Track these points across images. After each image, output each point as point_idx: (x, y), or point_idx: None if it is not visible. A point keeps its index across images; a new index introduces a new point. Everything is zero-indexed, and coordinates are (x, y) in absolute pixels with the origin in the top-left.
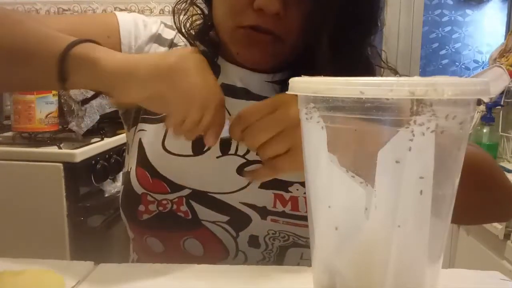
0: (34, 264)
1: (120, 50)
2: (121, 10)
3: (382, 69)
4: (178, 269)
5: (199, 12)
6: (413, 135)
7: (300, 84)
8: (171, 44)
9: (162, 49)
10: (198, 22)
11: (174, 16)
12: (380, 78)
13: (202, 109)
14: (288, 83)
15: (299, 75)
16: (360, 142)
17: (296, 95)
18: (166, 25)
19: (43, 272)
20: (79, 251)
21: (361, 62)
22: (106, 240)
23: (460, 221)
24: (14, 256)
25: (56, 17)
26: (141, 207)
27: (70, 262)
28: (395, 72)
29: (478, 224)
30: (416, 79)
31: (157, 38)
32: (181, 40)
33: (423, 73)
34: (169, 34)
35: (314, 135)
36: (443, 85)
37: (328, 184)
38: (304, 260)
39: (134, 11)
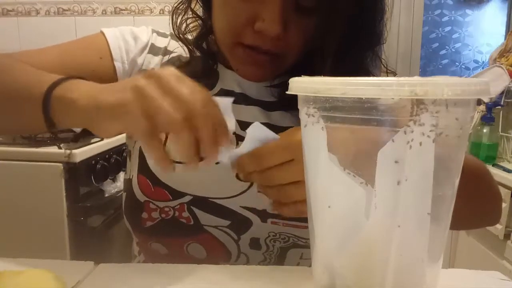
0: (34, 264)
1: (114, 68)
2: (121, 10)
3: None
4: (178, 269)
5: (195, 16)
6: (413, 135)
7: (300, 84)
8: (165, 52)
9: (156, 58)
10: (192, 25)
11: (172, 19)
12: (380, 78)
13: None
14: (286, 88)
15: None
16: (360, 142)
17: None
18: (158, 33)
19: (43, 272)
20: (79, 251)
21: (361, 70)
22: (106, 240)
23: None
24: (14, 256)
25: (46, 49)
26: (144, 215)
27: (70, 262)
28: (394, 75)
29: (465, 229)
30: (416, 79)
31: (150, 48)
32: (176, 46)
33: (423, 73)
34: (162, 42)
35: (314, 136)
36: (443, 85)
37: (328, 184)
38: (304, 260)
39: (134, 11)
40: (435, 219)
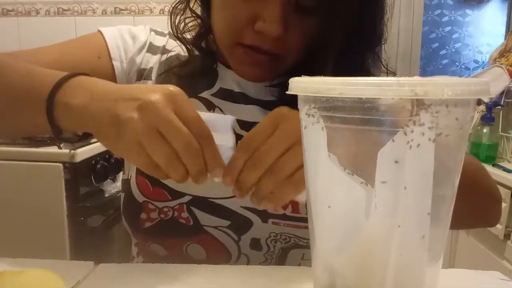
0: (34, 264)
1: (112, 67)
2: (121, 10)
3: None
4: (178, 269)
5: (194, 15)
6: (413, 135)
7: (300, 84)
8: (163, 51)
9: (155, 57)
10: (191, 24)
11: (171, 19)
12: (380, 78)
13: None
14: (287, 86)
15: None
16: (360, 142)
17: (293, 108)
18: (156, 32)
19: (43, 272)
20: (79, 251)
21: (361, 71)
22: (106, 240)
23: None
24: (14, 256)
25: (44, 48)
26: (143, 215)
27: (70, 262)
28: (394, 76)
29: (465, 229)
30: (416, 79)
31: (149, 47)
32: (175, 45)
33: (423, 73)
34: (160, 41)
35: (314, 136)
36: (443, 85)
37: (328, 184)
38: (306, 261)
39: (134, 11)
40: (435, 219)
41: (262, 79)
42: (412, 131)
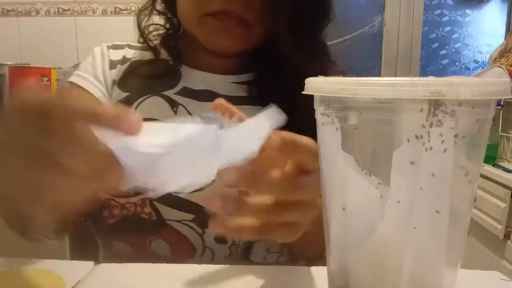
0: (34, 264)
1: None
2: (121, 10)
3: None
4: (178, 269)
5: (160, 14)
6: (429, 136)
7: (315, 84)
8: (123, 61)
9: (114, 71)
10: (156, 33)
11: (138, 24)
12: (395, 78)
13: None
14: (253, 84)
15: (264, 76)
16: (375, 143)
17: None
18: (114, 47)
19: (43, 272)
20: (79, 251)
21: (319, 51)
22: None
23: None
24: (14, 256)
25: None
26: (105, 213)
27: (70, 262)
28: (342, 75)
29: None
30: (433, 79)
31: (110, 65)
32: (134, 51)
33: (423, 73)
34: (118, 54)
35: (329, 136)
36: (460, 86)
37: (342, 185)
38: (270, 254)
39: (134, 11)
40: (453, 222)
41: (231, 47)
42: (429, 132)
